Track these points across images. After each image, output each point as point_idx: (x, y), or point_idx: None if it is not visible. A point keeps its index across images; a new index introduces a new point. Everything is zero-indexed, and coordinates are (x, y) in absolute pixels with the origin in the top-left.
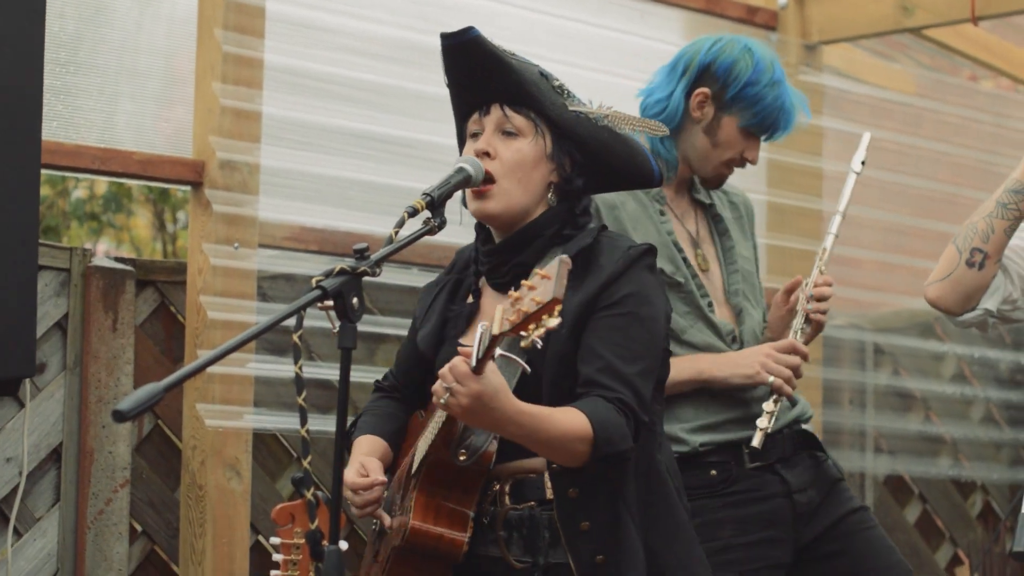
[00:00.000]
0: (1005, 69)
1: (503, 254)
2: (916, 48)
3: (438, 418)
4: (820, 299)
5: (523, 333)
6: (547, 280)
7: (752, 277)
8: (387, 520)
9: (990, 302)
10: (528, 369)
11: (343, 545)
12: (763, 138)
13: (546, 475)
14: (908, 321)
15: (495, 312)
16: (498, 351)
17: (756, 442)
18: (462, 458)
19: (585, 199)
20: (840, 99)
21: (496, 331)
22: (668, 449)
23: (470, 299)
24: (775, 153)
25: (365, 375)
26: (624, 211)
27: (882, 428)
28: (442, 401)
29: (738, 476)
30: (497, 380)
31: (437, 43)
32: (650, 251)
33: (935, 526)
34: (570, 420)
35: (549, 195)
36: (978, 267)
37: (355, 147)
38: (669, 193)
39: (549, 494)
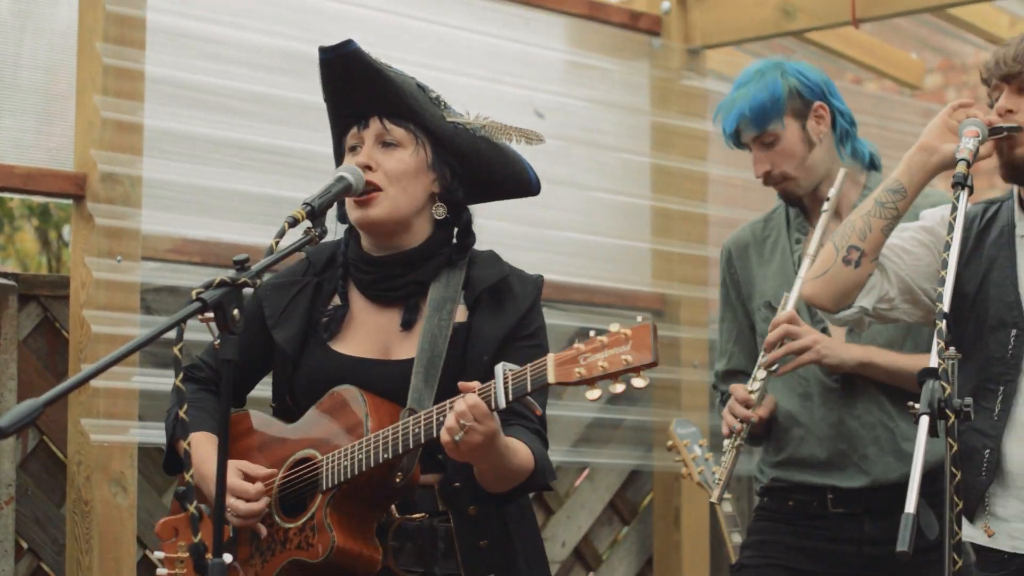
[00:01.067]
0: (887, 71)
1: (395, 268)
2: (800, 51)
3: (381, 442)
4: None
5: (590, 386)
6: (633, 340)
7: None
8: (264, 531)
9: (866, 300)
10: (541, 412)
11: (227, 558)
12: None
13: (436, 488)
14: None
15: (545, 360)
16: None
17: (714, 497)
18: (398, 480)
19: (467, 215)
20: None
21: (552, 380)
22: None
23: (337, 301)
24: (658, 158)
25: None
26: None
27: None
28: (456, 439)
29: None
30: (497, 420)
31: (316, 52)
32: (542, 282)
33: None
34: (524, 454)
35: (434, 207)
36: (854, 265)
37: (237, 158)
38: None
39: (440, 506)
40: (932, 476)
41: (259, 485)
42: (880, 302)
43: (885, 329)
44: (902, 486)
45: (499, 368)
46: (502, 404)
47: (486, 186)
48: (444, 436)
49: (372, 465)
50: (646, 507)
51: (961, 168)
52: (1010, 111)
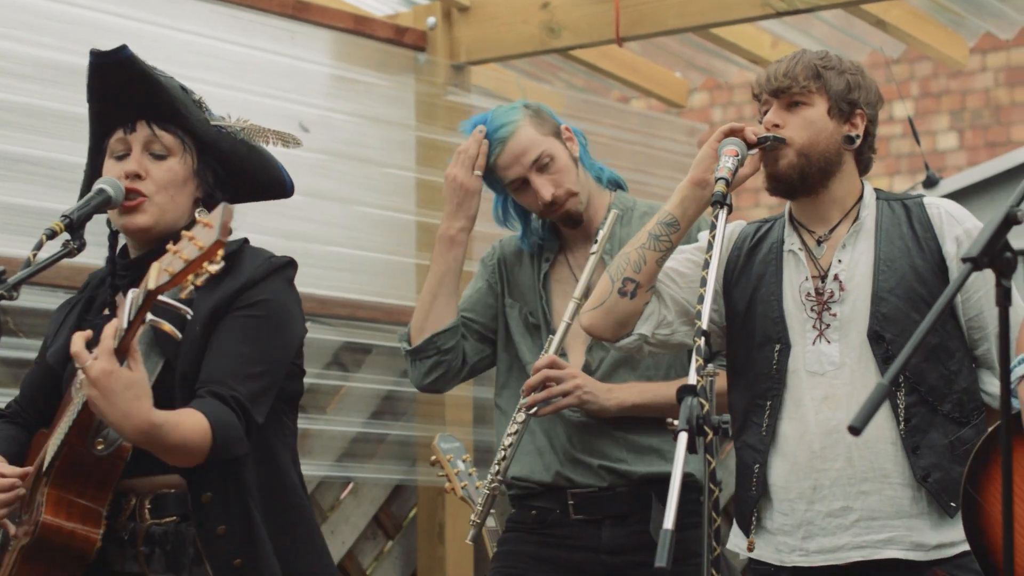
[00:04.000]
0: (652, 90)
1: (145, 266)
2: (568, 69)
3: (75, 406)
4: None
5: (183, 285)
6: (209, 228)
7: None
8: (12, 529)
9: (644, 327)
10: (179, 335)
11: None
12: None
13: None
14: None
15: (149, 268)
16: (149, 316)
17: (470, 537)
18: (99, 447)
19: None
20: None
21: (153, 285)
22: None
23: (106, 312)
24: (424, 173)
25: (9, 399)
26: None
27: None
28: (75, 387)
29: (559, 521)
30: (137, 376)
31: (82, 63)
32: (292, 264)
33: None
34: (193, 425)
35: (198, 211)
36: (630, 296)
37: None
38: None
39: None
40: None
41: (11, 480)
42: (659, 327)
43: None
44: (647, 483)
45: (129, 292)
46: (124, 324)
47: (244, 188)
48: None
49: (66, 433)
50: (410, 521)
51: (720, 187)
52: (776, 125)
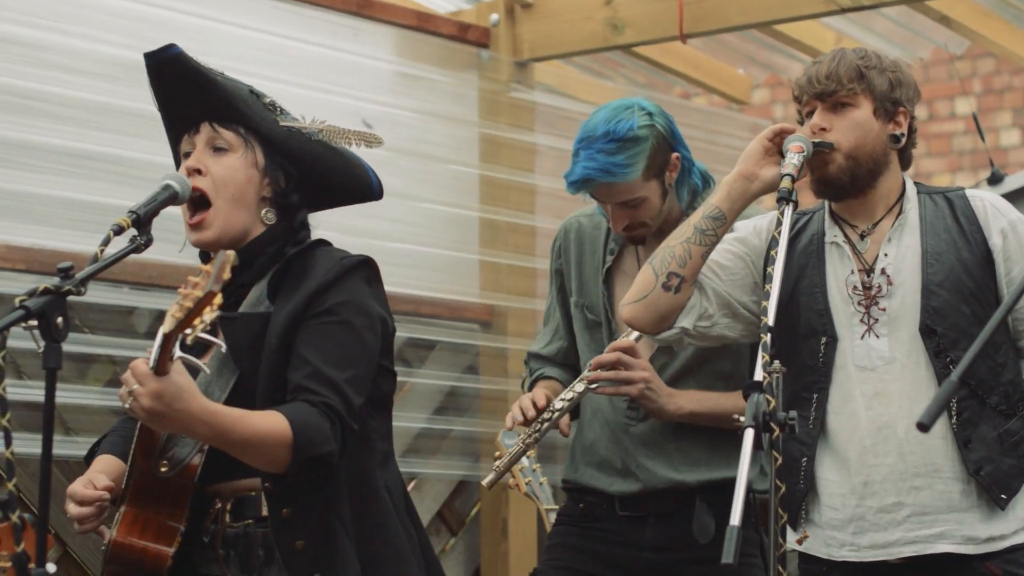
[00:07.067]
0: (715, 86)
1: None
2: (629, 66)
3: (138, 428)
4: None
5: (187, 331)
6: (207, 276)
7: None
8: (106, 536)
9: (686, 320)
10: (207, 370)
11: (51, 568)
12: (584, 193)
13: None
14: None
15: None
16: (177, 352)
17: (487, 481)
18: (163, 469)
19: (302, 214)
20: (552, 116)
21: (166, 329)
22: (395, 468)
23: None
24: (486, 170)
25: (76, 395)
26: None
27: None
28: (126, 405)
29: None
30: (182, 380)
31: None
32: (367, 263)
33: None
34: (267, 422)
35: (264, 211)
36: (674, 291)
37: (62, 165)
38: None
39: (265, 511)
40: (713, 485)
41: (92, 491)
42: (700, 320)
43: None
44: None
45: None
46: (152, 363)
47: (326, 191)
48: (122, 404)
49: (132, 456)
50: (474, 518)
51: (786, 183)
52: (823, 129)
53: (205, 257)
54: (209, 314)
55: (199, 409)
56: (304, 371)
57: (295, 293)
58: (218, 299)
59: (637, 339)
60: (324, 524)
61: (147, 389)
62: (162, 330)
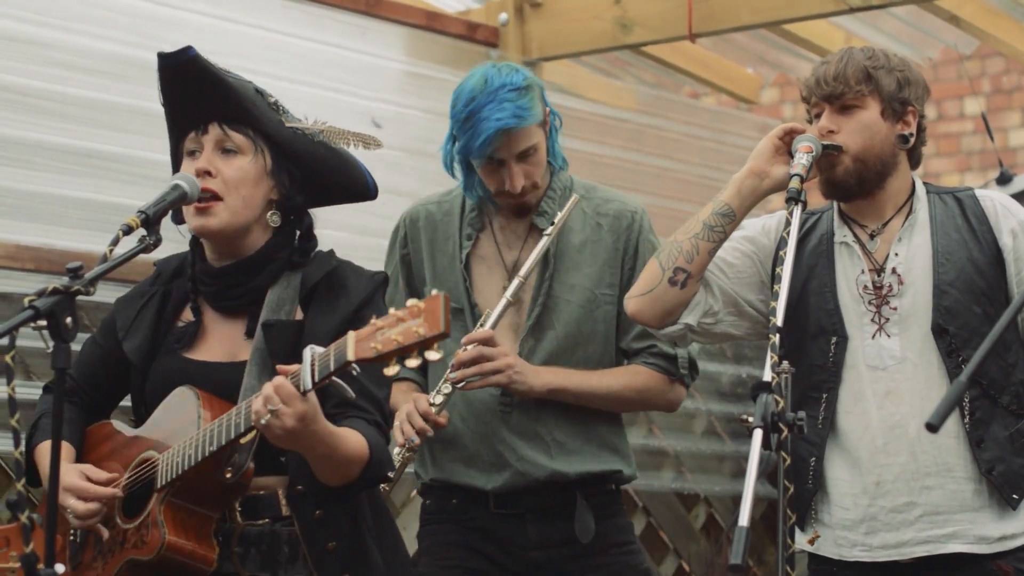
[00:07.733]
0: (724, 86)
1: (235, 277)
2: (638, 65)
3: (207, 436)
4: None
5: (388, 362)
6: (426, 312)
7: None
8: (105, 533)
9: (690, 317)
10: (354, 395)
11: (59, 568)
12: (482, 162)
13: (280, 493)
14: None
15: (346, 338)
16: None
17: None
18: (228, 476)
19: (308, 219)
20: (561, 115)
21: (352, 356)
22: None
23: (190, 316)
24: None
25: None
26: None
27: None
28: (263, 422)
29: (480, 513)
30: (315, 400)
31: (152, 58)
32: (388, 279)
33: (659, 539)
34: (356, 441)
35: (270, 214)
36: (680, 286)
37: (70, 164)
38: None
39: (284, 511)
40: (591, 478)
41: (97, 487)
42: (705, 317)
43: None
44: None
45: (307, 351)
46: (308, 385)
47: (324, 190)
48: (252, 420)
49: (199, 460)
50: None
51: (795, 183)
52: (831, 131)
53: (197, 244)
54: (432, 353)
55: (324, 430)
56: (353, 387)
57: (333, 306)
58: (439, 341)
59: (493, 326)
60: (352, 526)
61: (293, 410)
62: (341, 355)
